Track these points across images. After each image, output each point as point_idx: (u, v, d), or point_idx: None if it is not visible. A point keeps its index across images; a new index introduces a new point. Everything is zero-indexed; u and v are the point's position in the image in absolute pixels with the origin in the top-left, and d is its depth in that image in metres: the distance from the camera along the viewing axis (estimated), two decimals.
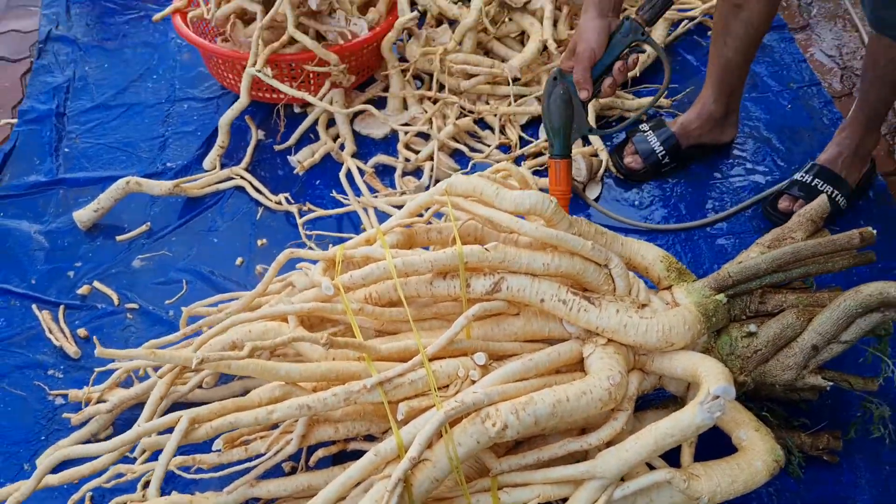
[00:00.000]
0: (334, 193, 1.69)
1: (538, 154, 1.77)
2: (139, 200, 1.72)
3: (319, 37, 1.83)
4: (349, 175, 1.62)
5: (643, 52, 1.38)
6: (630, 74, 1.55)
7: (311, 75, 1.78)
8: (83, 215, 1.68)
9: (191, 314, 1.35)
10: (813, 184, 1.60)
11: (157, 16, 1.85)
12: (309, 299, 1.16)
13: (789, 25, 2.09)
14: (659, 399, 1.28)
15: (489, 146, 1.78)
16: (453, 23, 1.94)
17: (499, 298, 1.15)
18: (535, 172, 1.73)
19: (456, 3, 1.94)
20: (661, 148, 1.71)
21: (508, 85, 1.82)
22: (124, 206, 1.71)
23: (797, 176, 1.64)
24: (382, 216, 1.59)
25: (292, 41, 1.74)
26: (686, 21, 2.06)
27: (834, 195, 1.59)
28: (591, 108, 1.78)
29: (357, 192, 1.61)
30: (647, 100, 1.85)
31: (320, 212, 1.61)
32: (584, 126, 1.34)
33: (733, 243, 1.62)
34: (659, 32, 1.96)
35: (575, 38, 1.31)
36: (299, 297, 1.18)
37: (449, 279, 1.15)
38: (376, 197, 1.67)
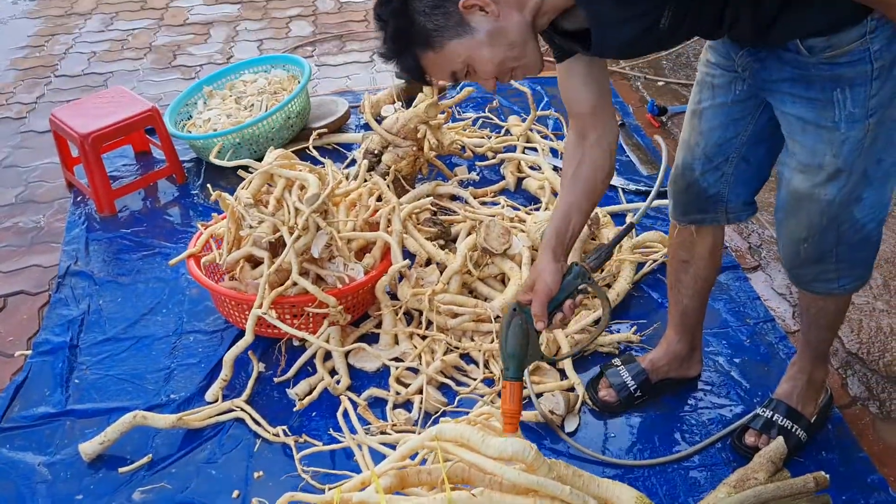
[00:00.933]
0: (331, 431, 1.79)
1: None
2: (142, 431, 1.81)
3: (319, 279, 2.03)
4: (345, 413, 1.73)
5: (588, 293, 1.58)
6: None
7: (311, 314, 1.95)
8: (88, 448, 1.76)
9: None
10: (773, 419, 1.74)
11: (172, 261, 2.05)
12: None
13: (742, 266, 2.32)
14: None
15: (474, 380, 1.92)
16: (440, 262, 2.15)
17: None
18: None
19: (443, 249, 2.16)
20: (633, 382, 1.85)
21: (491, 322, 2.00)
22: (128, 437, 1.79)
23: (759, 410, 1.77)
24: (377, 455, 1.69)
25: (294, 282, 1.93)
26: (651, 262, 2.29)
27: (794, 429, 1.72)
28: (567, 343, 1.95)
29: (352, 429, 1.71)
30: (618, 336, 2.03)
31: (317, 447, 1.71)
32: (537, 353, 1.50)
33: (706, 476, 1.72)
34: (626, 273, 2.17)
35: (532, 275, 1.50)
36: None
37: None
38: (369, 429, 1.78)
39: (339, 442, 1.77)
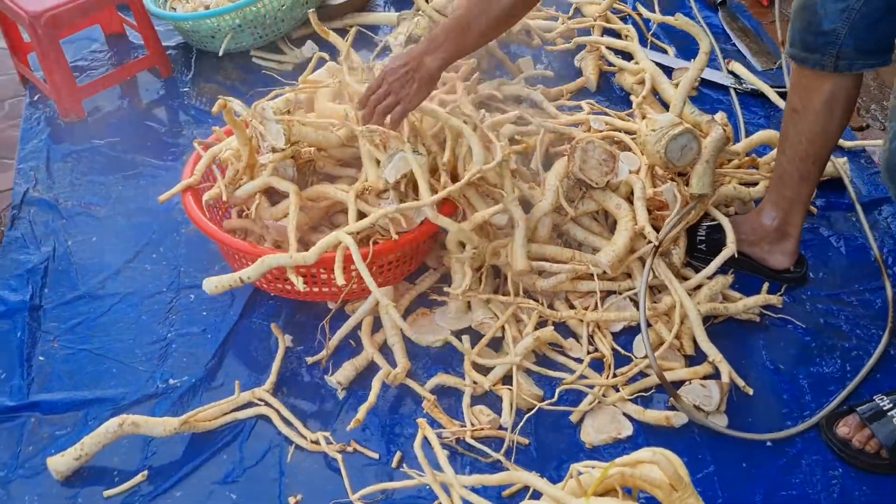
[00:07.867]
0: (405, 468, 1.25)
1: (639, 375, 1.42)
2: (135, 437, 1.34)
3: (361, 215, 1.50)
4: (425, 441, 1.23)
5: None
6: None
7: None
8: (60, 464, 1.29)
9: None
10: (890, 413, 1.28)
11: (162, 197, 1.50)
12: None
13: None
14: None
15: (575, 360, 1.43)
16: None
17: None
18: (637, 401, 1.38)
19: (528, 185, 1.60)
20: None
21: (594, 280, 1.49)
22: (115, 444, 1.32)
23: (877, 398, 1.32)
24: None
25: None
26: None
27: None
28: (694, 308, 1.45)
29: (432, 463, 1.21)
30: (754, 299, 1.52)
31: (381, 485, 1.23)
32: None
33: None
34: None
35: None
36: None
37: None
38: (441, 434, 1.30)
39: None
